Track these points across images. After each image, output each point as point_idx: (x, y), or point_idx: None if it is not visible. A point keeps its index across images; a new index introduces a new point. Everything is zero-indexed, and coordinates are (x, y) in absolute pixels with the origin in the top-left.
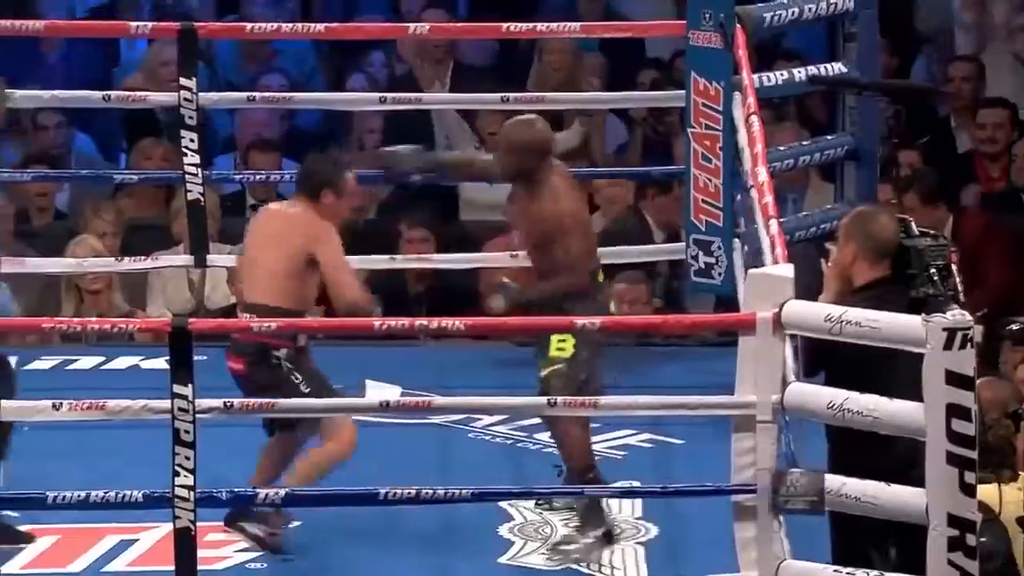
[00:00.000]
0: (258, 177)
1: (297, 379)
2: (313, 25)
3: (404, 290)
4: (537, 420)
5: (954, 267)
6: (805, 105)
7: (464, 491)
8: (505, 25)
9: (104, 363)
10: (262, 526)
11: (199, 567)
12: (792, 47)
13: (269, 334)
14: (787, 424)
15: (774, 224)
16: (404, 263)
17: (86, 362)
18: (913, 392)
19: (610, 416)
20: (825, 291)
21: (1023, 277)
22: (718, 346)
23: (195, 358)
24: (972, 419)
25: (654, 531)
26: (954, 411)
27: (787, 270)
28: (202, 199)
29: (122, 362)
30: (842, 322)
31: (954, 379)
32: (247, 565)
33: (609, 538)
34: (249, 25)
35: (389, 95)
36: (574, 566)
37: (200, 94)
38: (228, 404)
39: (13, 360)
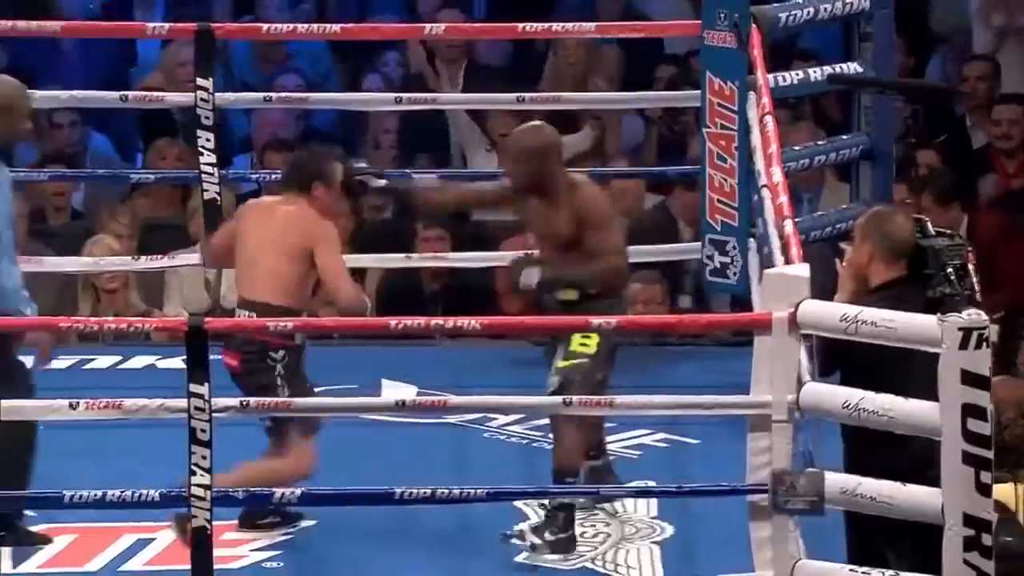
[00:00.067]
0: (274, 176)
1: (280, 385)
2: (329, 26)
3: (420, 289)
4: None
5: (971, 267)
6: (821, 105)
7: (479, 491)
8: (521, 25)
9: (121, 362)
10: None
11: (215, 566)
12: (808, 47)
13: (267, 332)
14: (805, 424)
15: (789, 224)
16: (420, 262)
17: (103, 361)
18: (929, 392)
19: (625, 415)
20: (840, 291)
21: None
22: (733, 346)
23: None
24: (988, 419)
25: (669, 530)
26: (970, 411)
27: (803, 270)
28: (219, 198)
29: (138, 361)
30: (858, 322)
31: (970, 379)
32: (263, 564)
33: (570, 545)
34: (265, 26)
35: (404, 95)
36: (568, 562)
37: (217, 94)
38: (244, 403)
39: (30, 360)
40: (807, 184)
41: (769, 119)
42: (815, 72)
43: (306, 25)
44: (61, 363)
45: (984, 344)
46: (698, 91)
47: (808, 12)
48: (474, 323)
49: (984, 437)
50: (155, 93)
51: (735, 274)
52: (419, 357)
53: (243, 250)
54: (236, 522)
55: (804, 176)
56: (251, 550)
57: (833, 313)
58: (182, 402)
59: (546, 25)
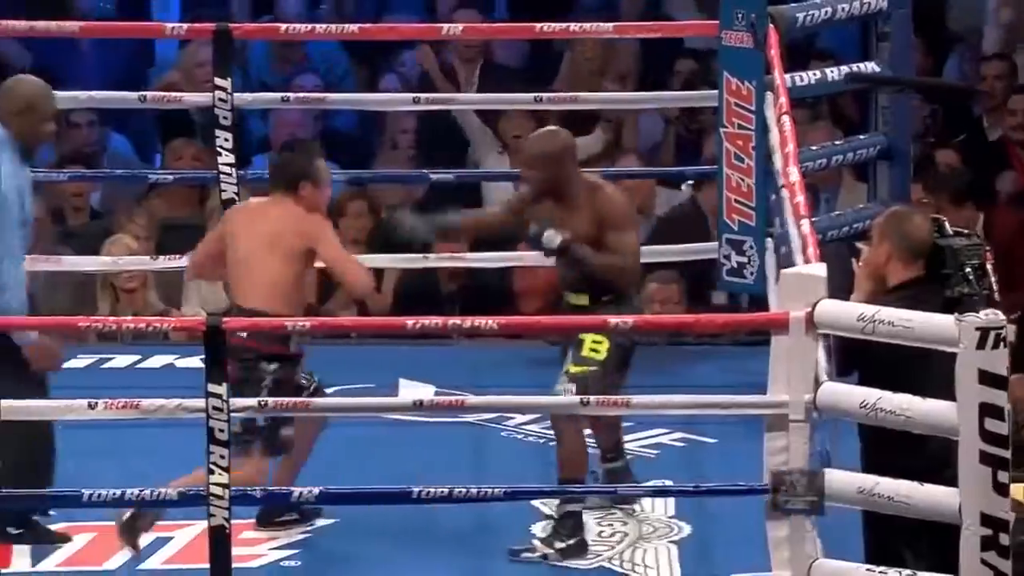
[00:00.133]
0: None
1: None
2: (347, 26)
3: (437, 289)
4: None
5: (990, 267)
6: (838, 105)
7: (497, 490)
8: (538, 25)
9: (139, 362)
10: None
11: (233, 565)
12: (825, 47)
13: (262, 340)
14: (822, 424)
15: (806, 224)
16: (437, 262)
17: (121, 361)
18: (947, 392)
19: (643, 415)
20: (856, 290)
21: None
22: (750, 345)
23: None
24: (1005, 418)
25: (687, 530)
26: (987, 410)
27: (820, 269)
28: (237, 199)
29: (157, 361)
30: (875, 321)
31: (987, 378)
32: (281, 563)
33: (581, 550)
34: (284, 26)
35: (422, 95)
36: (582, 565)
37: (235, 94)
38: (263, 403)
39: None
40: (825, 184)
41: (786, 119)
42: (832, 72)
43: (324, 25)
44: (80, 362)
45: (1002, 344)
46: (715, 91)
47: (825, 12)
48: (491, 323)
49: (1001, 437)
50: (173, 93)
51: (752, 274)
52: (437, 357)
53: (234, 254)
54: (254, 521)
55: (822, 176)
56: (269, 549)
57: (850, 313)
58: (200, 402)
59: (564, 25)
